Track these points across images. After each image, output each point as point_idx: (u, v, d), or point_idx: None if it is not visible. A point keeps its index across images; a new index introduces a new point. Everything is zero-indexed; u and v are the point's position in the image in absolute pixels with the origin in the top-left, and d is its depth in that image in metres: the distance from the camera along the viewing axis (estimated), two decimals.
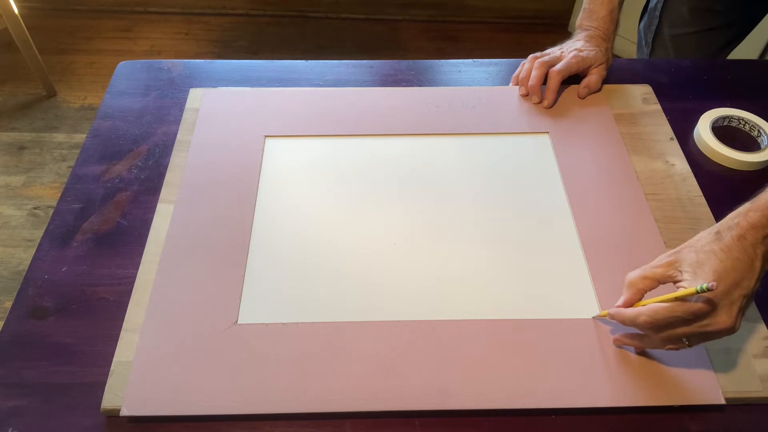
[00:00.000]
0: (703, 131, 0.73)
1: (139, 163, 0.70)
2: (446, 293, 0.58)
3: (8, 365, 0.53)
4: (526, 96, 0.77)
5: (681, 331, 0.48)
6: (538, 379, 0.52)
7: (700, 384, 0.52)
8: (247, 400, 0.50)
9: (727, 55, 1.06)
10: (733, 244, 0.48)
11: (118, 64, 0.83)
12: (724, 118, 0.75)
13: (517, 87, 0.79)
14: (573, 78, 0.78)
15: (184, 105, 0.76)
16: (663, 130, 0.74)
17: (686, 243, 0.51)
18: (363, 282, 0.59)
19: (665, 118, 0.75)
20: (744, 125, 0.75)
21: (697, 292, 0.45)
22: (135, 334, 0.54)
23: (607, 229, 0.63)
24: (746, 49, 1.63)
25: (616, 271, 0.59)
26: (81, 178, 0.69)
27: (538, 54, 0.81)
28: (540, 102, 0.76)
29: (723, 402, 0.51)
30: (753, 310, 0.57)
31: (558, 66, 0.77)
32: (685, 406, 0.51)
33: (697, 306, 0.46)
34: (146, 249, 0.61)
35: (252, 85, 0.79)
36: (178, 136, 0.72)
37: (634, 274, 0.52)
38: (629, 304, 0.52)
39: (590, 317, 0.56)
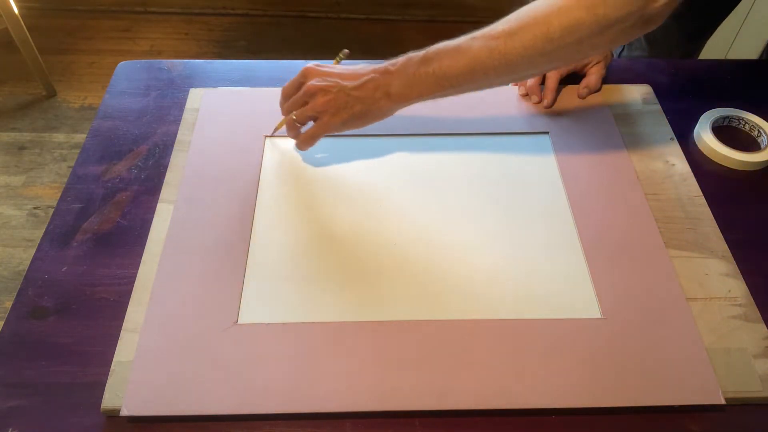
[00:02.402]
0: (703, 131, 0.73)
1: (139, 163, 0.70)
2: (446, 293, 0.58)
3: (8, 365, 0.53)
4: (525, 96, 0.77)
5: (291, 100, 0.66)
6: (538, 378, 0.52)
7: (700, 384, 0.52)
8: (247, 400, 0.50)
9: (702, 45, 1.05)
10: (369, 66, 0.64)
11: (118, 64, 0.83)
12: (724, 118, 0.75)
13: (517, 87, 0.79)
14: (572, 78, 0.78)
15: (184, 105, 0.76)
16: (663, 130, 0.74)
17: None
18: (363, 282, 0.59)
19: (665, 118, 0.75)
20: (744, 125, 0.75)
21: (337, 62, 0.69)
22: (135, 334, 0.54)
23: (607, 229, 0.63)
24: (746, 49, 1.63)
25: (616, 271, 0.59)
26: (81, 178, 0.69)
27: None
28: (539, 101, 0.76)
29: (723, 402, 0.51)
30: (753, 310, 0.57)
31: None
32: (685, 406, 0.51)
33: (297, 76, 0.66)
34: (146, 249, 0.61)
35: (252, 85, 0.79)
36: (178, 136, 0.72)
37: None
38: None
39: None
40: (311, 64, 0.66)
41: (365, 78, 0.63)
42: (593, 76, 0.77)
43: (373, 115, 0.65)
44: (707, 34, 1.04)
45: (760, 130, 0.73)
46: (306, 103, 0.65)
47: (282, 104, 0.68)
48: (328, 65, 0.66)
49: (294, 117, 0.66)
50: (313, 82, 0.64)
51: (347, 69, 0.65)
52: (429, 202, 0.66)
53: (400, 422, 0.51)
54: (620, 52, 1.08)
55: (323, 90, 0.63)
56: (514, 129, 0.74)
